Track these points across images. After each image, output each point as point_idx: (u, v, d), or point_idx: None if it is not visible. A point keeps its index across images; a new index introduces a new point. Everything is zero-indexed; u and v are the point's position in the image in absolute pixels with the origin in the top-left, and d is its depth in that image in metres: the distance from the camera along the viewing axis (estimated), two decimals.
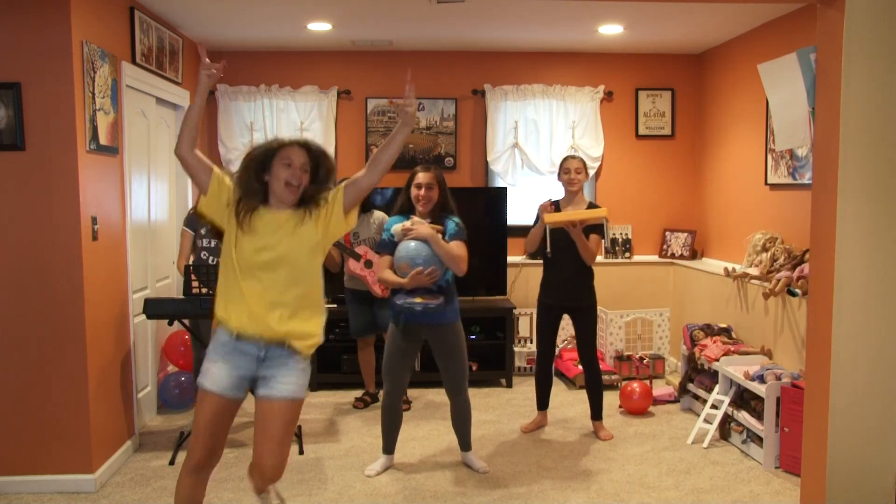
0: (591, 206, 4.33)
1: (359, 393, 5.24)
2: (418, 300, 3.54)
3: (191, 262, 4.41)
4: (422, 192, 3.63)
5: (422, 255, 3.49)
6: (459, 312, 3.80)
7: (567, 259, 4.21)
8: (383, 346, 5.04)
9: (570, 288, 4.26)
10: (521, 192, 5.93)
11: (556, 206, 4.33)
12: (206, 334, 4.53)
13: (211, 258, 4.39)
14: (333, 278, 5.07)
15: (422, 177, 3.64)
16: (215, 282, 3.98)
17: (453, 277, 3.73)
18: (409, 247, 3.54)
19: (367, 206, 4.80)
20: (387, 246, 3.68)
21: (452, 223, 3.69)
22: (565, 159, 4.41)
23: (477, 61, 5.86)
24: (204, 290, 4.08)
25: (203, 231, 4.40)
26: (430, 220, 3.67)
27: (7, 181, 3.49)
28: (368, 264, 4.68)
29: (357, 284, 4.78)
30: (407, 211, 3.72)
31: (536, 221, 4.30)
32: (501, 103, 5.80)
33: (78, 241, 3.54)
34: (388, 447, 3.93)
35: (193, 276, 3.99)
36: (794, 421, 3.73)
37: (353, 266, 4.70)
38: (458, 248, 3.60)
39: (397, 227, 3.60)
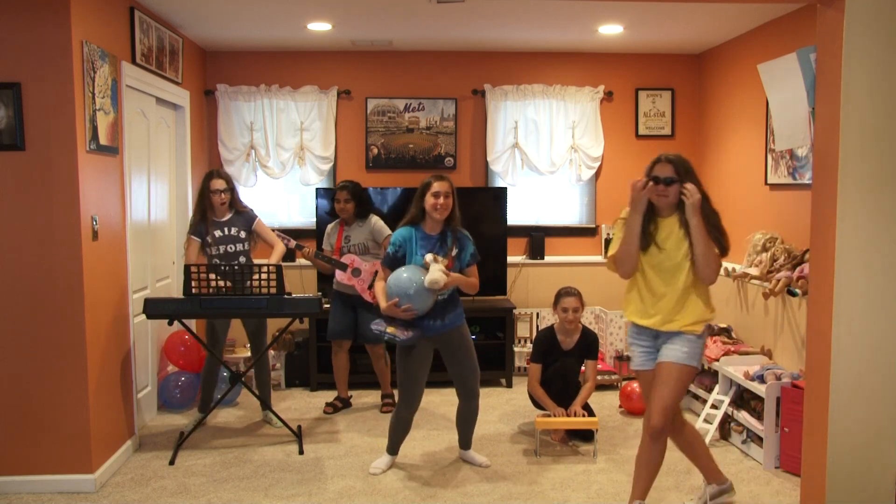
0: (584, 334, 4.41)
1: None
2: (389, 330, 3.59)
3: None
4: (440, 200, 3.64)
5: (413, 288, 3.53)
6: (464, 314, 3.85)
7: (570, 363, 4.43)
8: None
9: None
10: (521, 192, 5.93)
11: (550, 332, 4.45)
12: (222, 335, 4.52)
13: (223, 266, 4.38)
14: (327, 279, 5.06)
15: (438, 186, 3.66)
16: (232, 280, 4.02)
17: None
18: (400, 277, 3.57)
19: (364, 213, 4.77)
20: (389, 261, 3.70)
21: (471, 246, 3.79)
22: (563, 296, 4.37)
23: (477, 61, 5.86)
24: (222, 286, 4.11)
25: (210, 239, 4.40)
26: (441, 230, 3.71)
27: (7, 181, 3.49)
28: (356, 272, 4.67)
29: (346, 288, 4.76)
30: (418, 221, 3.72)
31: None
32: (501, 103, 5.80)
33: (78, 240, 3.54)
34: (394, 449, 3.94)
35: (203, 275, 4.00)
36: (794, 421, 3.73)
37: (340, 276, 4.70)
38: (473, 275, 3.78)
39: (436, 270, 3.57)
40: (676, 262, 3.08)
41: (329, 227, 4.86)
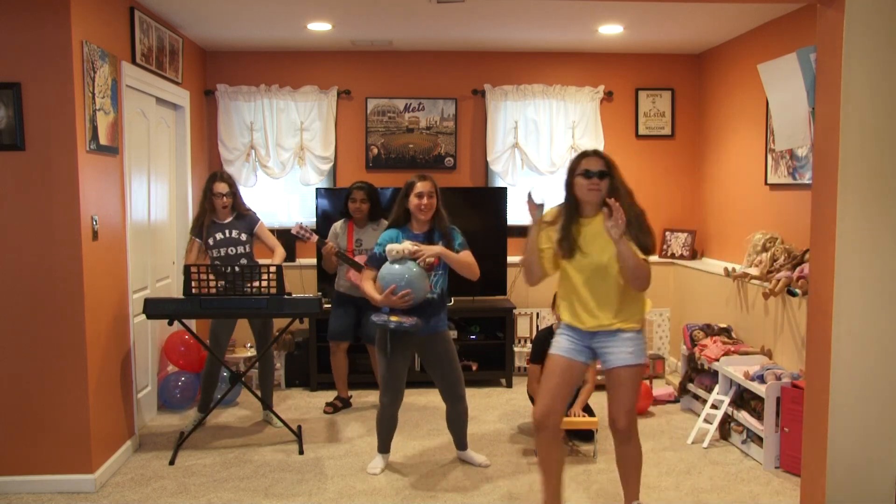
0: None
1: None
2: (393, 318, 3.58)
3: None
4: (423, 200, 3.66)
5: (404, 279, 3.52)
6: (447, 320, 3.85)
7: None
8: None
9: None
10: (521, 192, 5.92)
11: (549, 333, 4.33)
12: (224, 340, 4.52)
13: (223, 268, 4.38)
14: (329, 279, 5.05)
15: (421, 186, 3.67)
16: (231, 281, 4.01)
17: (447, 286, 3.77)
18: (392, 269, 3.57)
19: (375, 216, 4.74)
20: (375, 260, 3.69)
21: (459, 235, 3.79)
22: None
23: (477, 61, 5.86)
24: (213, 289, 4.09)
25: (211, 241, 4.39)
26: (428, 229, 3.71)
27: (7, 181, 3.49)
28: None
29: (352, 290, 4.74)
30: (403, 223, 3.74)
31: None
32: (501, 103, 5.80)
33: (78, 240, 3.54)
34: (386, 448, 3.95)
35: (202, 275, 3.99)
36: (794, 421, 3.73)
37: (354, 276, 4.67)
38: (468, 257, 3.73)
39: (394, 247, 3.59)
40: (603, 265, 2.95)
41: (337, 225, 4.80)
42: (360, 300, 4.73)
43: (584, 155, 3.02)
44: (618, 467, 3.17)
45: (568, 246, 2.98)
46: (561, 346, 3.11)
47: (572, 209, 3.02)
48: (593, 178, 2.96)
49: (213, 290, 4.06)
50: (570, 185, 3.03)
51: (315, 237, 4.59)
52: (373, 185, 4.78)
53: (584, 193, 2.98)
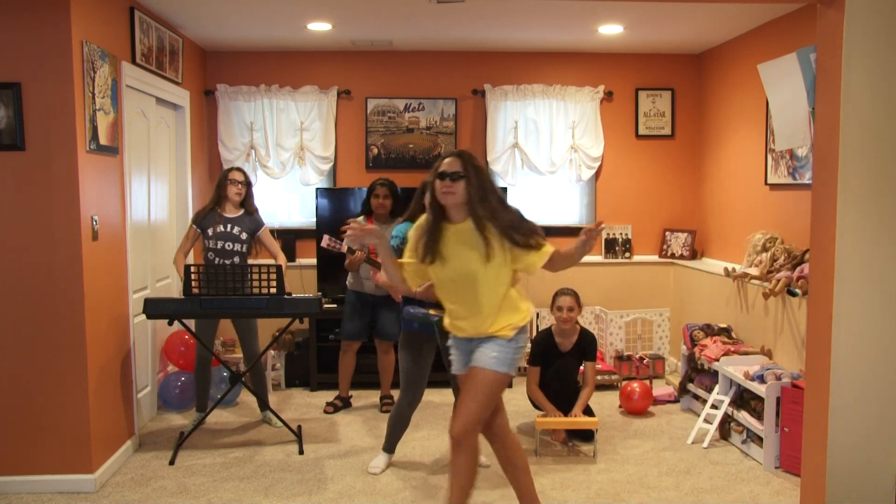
0: (583, 335, 4.40)
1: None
2: (433, 312, 3.57)
3: (191, 262, 4.40)
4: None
5: None
6: None
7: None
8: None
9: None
10: (521, 192, 5.93)
11: (548, 334, 4.44)
12: (210, 335, 4.52)
13: (217, 259, 4.38)
14: (327, 279, 5.03)
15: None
16: (221, 282, 4.01)
17: None
18: None
19: (396, 212, 4.65)
20: (394, 252, 3.68)
21: None
22: (559, 295, 4.36)
23: (477, 61, 5.86)
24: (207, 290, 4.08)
25: (210, 232, 4.39)
26: None
27: (7, 181, 3.49)
28: None
29: (377, 290, 4.68)
30: (418, 217, 3.71)
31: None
32: (501, 103, 5.80)
33: (78, 241, 3.54)
34: (391, 448, 3.95)
35: (194, 276, 3.99)
36: (794, 421, 3.73)
37: (382, 278, 4.62)
38: None
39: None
40: (468, 272, 2.82)
41: (356, 222, 4.73)
42: (378, 299, 4.73)
43: (446, 155, 2.92)
44: (449, 471, 3.05)
45: (430, 252, 2.87)
46: (455, 364, 3.06)
47: (438, 214, 2.90)
48: (445, 179, 2.82)
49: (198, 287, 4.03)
50: (432, 188, 2.90)
51: (344, 247, 4.56)
52: (394, 181, 4.76)
53: (439, 196, 2.85)
